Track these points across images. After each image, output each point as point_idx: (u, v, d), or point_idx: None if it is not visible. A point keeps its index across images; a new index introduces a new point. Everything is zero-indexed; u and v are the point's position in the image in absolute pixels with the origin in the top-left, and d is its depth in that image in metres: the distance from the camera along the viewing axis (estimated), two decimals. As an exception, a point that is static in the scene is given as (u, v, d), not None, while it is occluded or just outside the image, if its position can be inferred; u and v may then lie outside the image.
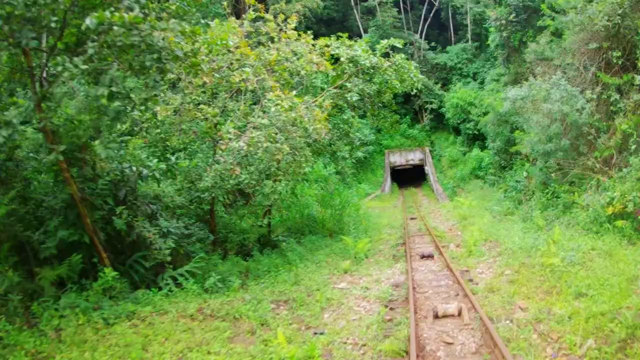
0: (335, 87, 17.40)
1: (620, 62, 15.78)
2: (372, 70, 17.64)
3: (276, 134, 11.26)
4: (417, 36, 51.95)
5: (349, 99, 16.78)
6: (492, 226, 16.91)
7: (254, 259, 14.23)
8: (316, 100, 16.67)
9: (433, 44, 52.30)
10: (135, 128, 12.83)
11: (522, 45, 29.93)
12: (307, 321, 9.29)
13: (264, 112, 11.95)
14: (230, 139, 10.92)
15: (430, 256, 13.66)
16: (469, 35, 51.29)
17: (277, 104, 11.15)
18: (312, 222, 20.27)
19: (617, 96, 15.42)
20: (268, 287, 11.22)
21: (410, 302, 8.96)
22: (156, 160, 11.25)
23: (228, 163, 11.25)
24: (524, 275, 10.35)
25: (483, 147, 37.44)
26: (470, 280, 10.78)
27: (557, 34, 26.44)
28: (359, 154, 40.04)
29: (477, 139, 39.52)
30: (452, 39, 54.13)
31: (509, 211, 19.77)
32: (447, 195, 33.92)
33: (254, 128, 11.16)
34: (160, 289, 9.66)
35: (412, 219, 24.48)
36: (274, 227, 18.90)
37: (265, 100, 11.66)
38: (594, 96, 15.57)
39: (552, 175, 15.50)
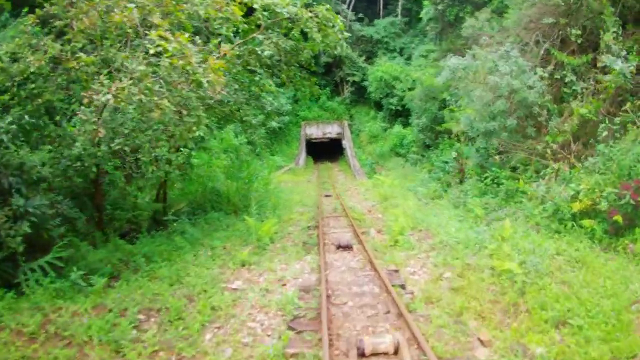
0: (245, 41, 14.16)
1: (579, 42, 13.73)
2: (290, 24, 14.51)
3: (160, 86, 8.23)
4: (344, 6, 48.89)
5: (259, 53, 13.59)
6: (418, 210, 14.50)
7: (140, 243, 11.15)
8: (218, 50, 13.37)
9: (360, 15, 49.51)
10: (7, 84, 9.40)
11: (458, 21, 28.05)
12: (178, 348, 6.22)
13: (145, 58, 8.64)
14: (96, 91, 7.73)
15: (348, 247, 10.88)
16: (399, 10, 49.19)
17: (158, 45, 7.99)
18: (216, 197, 17.23)
19: (573, 77, 13.39)
20: (142, 287, 8.16)
21: (324, 326, 6.05)
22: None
23: (90, 122, 8.53)
24: (472, 283, 7.83)
25: (406, 124, 35.62)
26: (402, 286, 8.07)
27: (498, 12, 24.67)
28: (274, 123, 36.69)
29: (400, 115, 37.64)
30: (381, 13, 51.69)
31: (437, 194, 17.60)
32: (365, 172, 31.66)
33: (130, 78, 7.98)
34: (12, 287, 7.44)
35: (326, 196, 21.77)
36: (173, 202, 15.71)
37: (146, 42, 8.47)
38: (545, 74, 13.46)
39: (494, 158, 13.25)
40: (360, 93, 45.79)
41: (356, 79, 44.41)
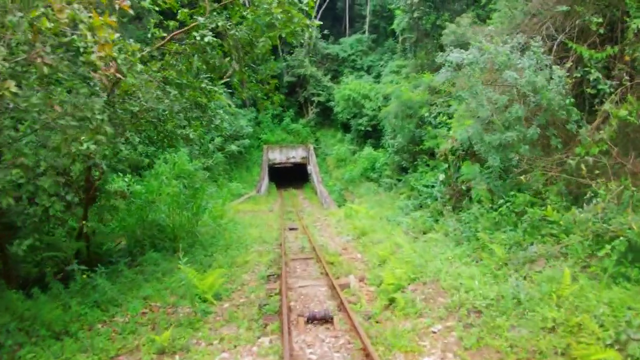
0: (182, 32, 10.96)
1: (601, 32, 10.85)
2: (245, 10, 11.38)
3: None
4: (308, 21, 46.12)
5: (198, 39, 10.37)
6: (412, 250, 11.09)
7: (38, 300, 7.93)
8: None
9: (325, 31, 46.89)
10: None
11: (434, 30, 25.50)
12: None
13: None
14: None
15: (325, 320, 7.26)
16: (366, 27, 46.90)
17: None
18: (158, 232, 13.76)
19: (598, 74, 10.42)
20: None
21: None
22: None
23: None
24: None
25: (377, 146, 32.59)
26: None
27: (482, 17, 22.14)
28: (233, 147, 33.25)
29: (370, 136, 34.64)
30: (347, 31, 49.29)
31: (427, 226, 14.28)
32: (333, 199, 28.27)
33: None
34: None
35: (292, 229, 18.20)
36: (106, 237, 12.37)
37: None
38: (564, 72, 10.49)
39: (518, 178, 10.02)
40: (325, 114, 42.82)
41: (321, 99, 41.45)
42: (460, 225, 12.11)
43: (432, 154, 22.98)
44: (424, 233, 13.55)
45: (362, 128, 34.25)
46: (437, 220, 14.37)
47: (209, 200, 18.42)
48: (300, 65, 42.55)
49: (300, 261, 12.20)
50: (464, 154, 14.46)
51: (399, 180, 26.25)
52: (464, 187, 13.68)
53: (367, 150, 31.92)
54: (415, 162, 23.70)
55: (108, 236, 12.75)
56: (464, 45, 15.30)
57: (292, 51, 43.81)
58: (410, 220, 15.88)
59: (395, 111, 23.25)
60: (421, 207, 18.06)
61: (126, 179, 18.01)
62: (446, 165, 16.28)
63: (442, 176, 16.63)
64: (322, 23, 12.61)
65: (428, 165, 23.16)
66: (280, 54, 44.92)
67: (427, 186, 18.45)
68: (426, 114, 22.51)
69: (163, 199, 15.53)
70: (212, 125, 14.13)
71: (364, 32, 47.02)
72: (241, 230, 16.98)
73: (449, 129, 18.38)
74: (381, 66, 42.33)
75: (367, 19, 46.44)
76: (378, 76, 39.50)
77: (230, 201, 28.14)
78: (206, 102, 13.46)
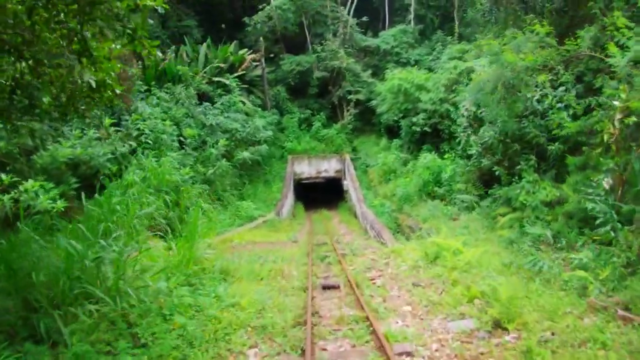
0: None
1: None
2: None
3: None
4: (344, 10, 38.15)
5: None
6: None
7: None
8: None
9: (361, 21, 38.78)
10: None
11: None
12: None
13: None
14: None
15: None
16: (411, 17, 38.59)
17: None
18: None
19: None
20: None
21: None
22: None
23: None
24: None
25: (440, 152, 23.84)
26: None
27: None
28: (245, 154, 24.96)
29: (428, 140, 25.94)
30: (387, 26, 41.05)
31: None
32: (384, 224, 19.42)
33: None
34: None
35: (328, 287, 9.54)
36: None
37: None
38: None
39: None
40: (365, 117, 34.33)
41: (361, 97, 32.96)
42: None
43: (540, 154, 14.53)
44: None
45: (418, 129, 25.50)
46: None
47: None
48: (334, 56, 34.34)
49: None
50: None
51: (485, 196, 17.57)
52: None
53: (426, 157, 23.13)
54: (517, 167, 14.95)
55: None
56: None
57: (323, 42, 35.73)
58: (589, 274, 7.05)
59: (490, 84, 14.52)
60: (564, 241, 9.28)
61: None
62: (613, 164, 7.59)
63: (607, 182, 8.05)
64: None
65: (538, 170, 14.61)
66: (309, 46, 36.94)
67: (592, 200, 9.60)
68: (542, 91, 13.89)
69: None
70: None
71: (408, 23, 38.67)
72: (225, 291, 8.37)
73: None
74: (431, 60, 33.79)
75: (412, 8, 38.10)
76: (429, 71, 30.89)
77: (237, 226, 19.79)
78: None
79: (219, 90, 28.17)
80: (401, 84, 26.23)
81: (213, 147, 23.29)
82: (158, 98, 23.32)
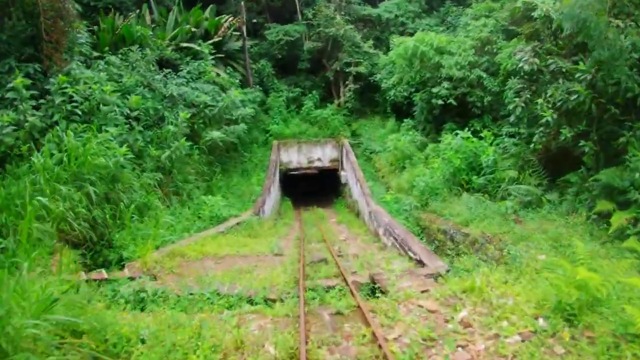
0: None
1: None
2: None
3: None
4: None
5: None
6: None
7: None
8: None
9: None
10: None
11: None
12: None
13: None
14: None
15: None
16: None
17: None
18: None
19: None
20: None
21: None
22: None
23: None
24: None
25: (474, 130, 18.20)
26: None
27: None
28: (215, 134, 19.01)
29: (452, 116, 20.34)
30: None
31: None
32: (404, 227, 13.60)
33: None
34: None
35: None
36: None
37: None
38: None
39: None
40: (365, 98, 28.57)
41: (362, 70, 27.12)
42: None
43: None
44: None
45: (439, 102, 19.79)
46: None
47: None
48: (329, 23, 28.48)
49: None
50: None
51: (552, 187, 12.11)
52: None
53: (452, 139, 17.44)
54: (620, 141, 9.37)
55: None
56: None
57: (314, 9, 29.90)
58: None
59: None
60: None
61: None
62: None
63: None
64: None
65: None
66: (299, 16, 31.11)
67: None
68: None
69: None
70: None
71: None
72: None
73: None
74: (443, 31, 28.10)
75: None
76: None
77: (197, 231, 13.99)
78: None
79: (187, 59, 22.29)
80: (417, 47, 20.45)
81: (171, 123, 17.43)
82: (107, 63, 17.53)
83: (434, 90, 19.90)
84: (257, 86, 28.10)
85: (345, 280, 8.36)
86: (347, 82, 27.77)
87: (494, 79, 19.25)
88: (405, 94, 23.49)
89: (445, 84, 19.59)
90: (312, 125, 27.09)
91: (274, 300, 7.69)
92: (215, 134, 18.74)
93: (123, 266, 10.06)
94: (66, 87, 13.97)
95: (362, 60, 27.53)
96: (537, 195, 12.73)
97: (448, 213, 14.20)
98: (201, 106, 19.30)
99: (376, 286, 7.83)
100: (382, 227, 14.57)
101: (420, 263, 9.75)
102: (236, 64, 27.56)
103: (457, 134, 17.18)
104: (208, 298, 7.62)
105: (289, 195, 26.42)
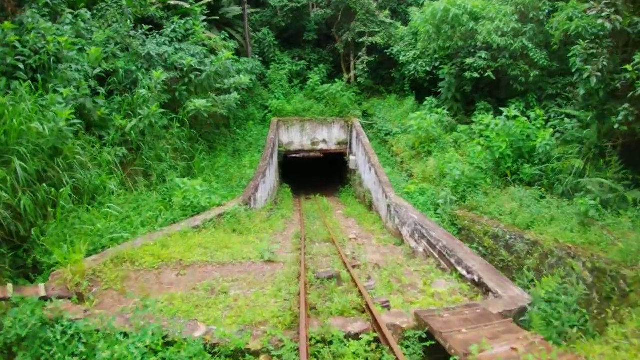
0: None
1: None
2: None
3: None
4: None
5: None
6: None
7: None
8: None
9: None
10: None
11: None
12: None
13: None
14: None
15: None
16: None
17: None
18: None
19: None
20: None
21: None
22: None
23: None
24: None
25: (524, 107, 14.88)
26: None
27: None
28: (200, 103, 15.51)
29: (486, 94, 16.94)
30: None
31: None
32: (444, 229, 10.32)
33: None
34: None
35: None
36: None
37: None
38: None
39: None
40: (378, 75, 25.06)
41: (378, 40, 23.55)
42: None
43: None
44: None
45: (475, 75, 16.34)
46: None
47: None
48: (340, -13, 24.91)
49: None
50: None
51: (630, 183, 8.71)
52: None
53: (491, 119, 14.06)
54: None
55: None
56: None
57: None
58: None
59: None
60: None
61: None
62: None
63: None
64: None
65: None
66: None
67: None
68: None
69: None
70: None
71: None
72: None
73: None
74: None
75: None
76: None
77: (162, 225, 10.62)
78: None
79: (175, 18, 18.79)
80: (448, 9, 16.93)
81: (145, 87, 14.05)
82: (75, 17, 14.15)
83: (468, 61, 16.42)
84: (257, 56, 24.65)
85: (375, 320, 5.04)
86: (359, 54, 24.21)
87: (540, 52, 15.84)
88: (427, 68, 20.12)
89: (483, 54, 16.12)
90: (318, 102, 23.65)
91: (256, 355, 4.46)
92: (200, 102, 15.31)
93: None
94: (7, 34, 10.75)
95: (377, 30, 23.95)
96: (619, 192, 9.43)
97: (495, 211, 10.87)
98: (185, 70, 15.88)
99: (426, 332, 4.53)
100: (408, 226, 11.22)
101: (479, 286, 6.44)
102: (234, 31, 24.08)
103: (501, 113, 13.78)
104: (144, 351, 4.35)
105: (288, 182, 23.11)
